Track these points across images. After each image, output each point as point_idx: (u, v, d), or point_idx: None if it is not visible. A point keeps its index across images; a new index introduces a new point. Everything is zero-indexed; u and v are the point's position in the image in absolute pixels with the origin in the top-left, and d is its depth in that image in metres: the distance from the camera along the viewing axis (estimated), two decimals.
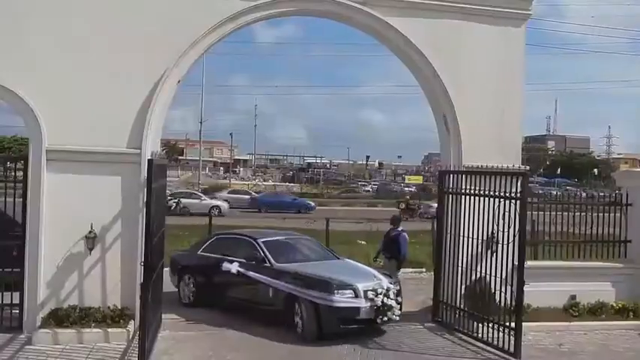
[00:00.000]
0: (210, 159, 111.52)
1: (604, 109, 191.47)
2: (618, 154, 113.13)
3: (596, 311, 11.17)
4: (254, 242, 11.34)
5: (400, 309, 10.20)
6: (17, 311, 9.64)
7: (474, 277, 10.36)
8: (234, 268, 10.89)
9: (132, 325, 9.33)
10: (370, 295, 9.79)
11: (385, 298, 9.78)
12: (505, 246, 9.56)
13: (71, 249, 9.58)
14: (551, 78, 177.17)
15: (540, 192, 13.66)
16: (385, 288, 9.92)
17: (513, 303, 9.38)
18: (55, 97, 9.55)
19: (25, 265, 9.48)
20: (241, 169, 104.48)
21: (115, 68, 9.67)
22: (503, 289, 9.54)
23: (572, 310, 11.15)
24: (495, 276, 9.66)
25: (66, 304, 9.50)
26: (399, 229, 12.39)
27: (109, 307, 9.55)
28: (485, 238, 10.05)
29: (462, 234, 10.49)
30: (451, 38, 10.97)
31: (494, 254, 9.79)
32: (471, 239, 10.27)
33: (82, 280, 9.66)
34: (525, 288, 9.74)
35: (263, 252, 10.99)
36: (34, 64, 9.54)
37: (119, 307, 9.56)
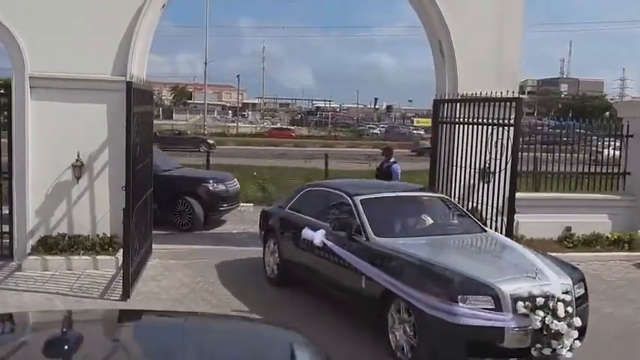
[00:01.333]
0: (219, 102, 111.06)
1: (619, 51, 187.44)
2: (633, 97, 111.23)
3: (591, 242, 11.08)
4: (348, 199, 7.61)
5: (581, 333, 5.88)
6: (8, 241, 9.70)
7: (466, 208, 10.22)
8: (317, 237, 7.41)
9: (121, 253, 9.30)
10: (522, 307, 5.56)
11: (549, 317, 5.53)
12: (499, 175, 9.39)
13: (59, 178, 9.53)
14: (565, 19, 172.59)
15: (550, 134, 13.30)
16: (553, 295, 5.66)
17: (503, 231, 9.26)
18: (36, 23, 9.29)
19: (12, 193, 9.46)
20: (250, 112, 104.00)
21: None
22: (495, 219, 9.42)
23: (566, 242, 11.07)
24: (488, 206, 9.52)
25: (55, 232, 9.52)
26: (392, 160, 12.19)
27: (98, 235, 9.57)
28: (479, 167, 9.87)
29: (455, 164, 10.32)
30: None
31: (488, 184, 9.63)
32: (464, 169, 10.09)
33: (71, 209, 9.65)
34: (520, 219, 9.66)
35: (359, 216, 7.23)
36: None
37: (108, 235, 9.57)
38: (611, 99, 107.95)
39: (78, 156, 9.44)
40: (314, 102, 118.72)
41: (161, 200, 12.26)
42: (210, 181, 13.10)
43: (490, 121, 9.47)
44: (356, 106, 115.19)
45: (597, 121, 12.78)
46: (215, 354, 2.27)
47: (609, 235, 11.20)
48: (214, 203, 12.86)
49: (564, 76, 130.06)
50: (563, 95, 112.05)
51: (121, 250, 9.24)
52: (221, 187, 13.16)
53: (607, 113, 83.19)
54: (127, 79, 9.11)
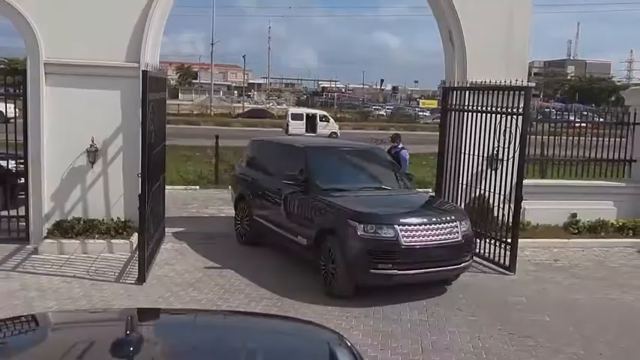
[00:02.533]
0: (225, 83, 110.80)
1: (627, 32, 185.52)
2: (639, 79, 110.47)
3: (596, 229, 11.21)
4: None
5: None
6: (24, 224, 9.91)
7: (474, 195, 10.36)
8: None
9: (135, 237, 9.50)
10: None
11: None
12: (506, 162, 9.50)
13: (73, 163, 9.70)
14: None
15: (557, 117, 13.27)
16: None
17: (511, 218, 9.40)
18: (51, 9, 9.41)
19: (28, 177, 9.65)
20: (255, 92, 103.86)
21: None
22: (502, 206, 9.55)
23: (571, 228, 11.20)
24: (495, 193, 9.65)
25: (70, 216, 9.71)
26: (400, 145, 12.29)
27: (112, 220, 9.76)
28: (486, 155, 9.97)
29: (463, 151, 10.44)
30: None
31: (496, 172, 9.74)
32: (472, 156, 10.21)
33: (86, 194, 9.83)
34: (527, 206, 9.77)
35: None
36: None
37: (122, 220, 9.76)
38: (618, 81, 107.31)
39: (92, 141, 9.60)
40: (320, 82, 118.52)
41: None
42: None
43: (499, 109, 9.57)
44: (362, 86, 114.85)
45: (604, 107, 12.78)
46: (259, 355, 2.42)
47: (614, 222, 11.33)
48: None
49: (571, 58, 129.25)
50: (569, 77, 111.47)
51: (136, 234, 9.47)
52: None
53: (613, 97, 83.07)
54: (142, 67, 9.26)
